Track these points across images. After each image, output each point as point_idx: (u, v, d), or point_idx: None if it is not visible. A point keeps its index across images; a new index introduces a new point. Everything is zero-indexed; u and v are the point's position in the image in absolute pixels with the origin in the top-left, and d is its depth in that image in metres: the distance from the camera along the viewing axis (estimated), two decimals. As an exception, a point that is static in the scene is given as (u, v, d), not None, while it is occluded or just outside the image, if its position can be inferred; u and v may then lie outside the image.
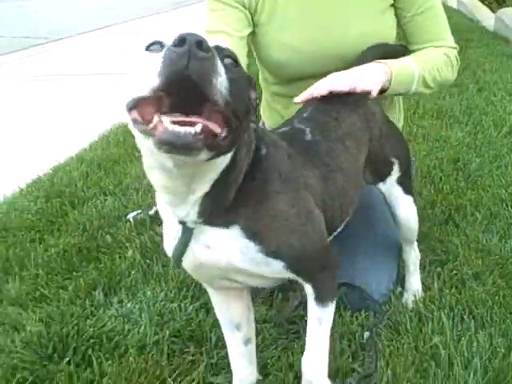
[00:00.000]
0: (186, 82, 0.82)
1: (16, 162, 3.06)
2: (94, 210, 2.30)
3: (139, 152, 2.76)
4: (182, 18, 9.27)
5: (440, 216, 2.22)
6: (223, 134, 0.90)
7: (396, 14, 1.77)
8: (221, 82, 0.85)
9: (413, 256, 1.77)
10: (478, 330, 1.58)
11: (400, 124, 1.99)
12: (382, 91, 1.59)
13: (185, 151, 0.85)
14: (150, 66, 0.85)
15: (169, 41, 0.86)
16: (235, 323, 1.34)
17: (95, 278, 1.82)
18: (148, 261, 1.92)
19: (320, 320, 1.23)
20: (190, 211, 1.05)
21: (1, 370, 1.42)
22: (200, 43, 0.81)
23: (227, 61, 0.93)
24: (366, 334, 1.55)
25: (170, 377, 1.42)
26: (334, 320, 1.26)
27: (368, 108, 1.56)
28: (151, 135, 0.87)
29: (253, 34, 1.76)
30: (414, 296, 1.75)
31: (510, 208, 2.26)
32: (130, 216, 2.22)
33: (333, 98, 1.50)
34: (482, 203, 2.30)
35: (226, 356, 1.43)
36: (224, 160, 1.01)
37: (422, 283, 1.80)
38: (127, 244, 2.03)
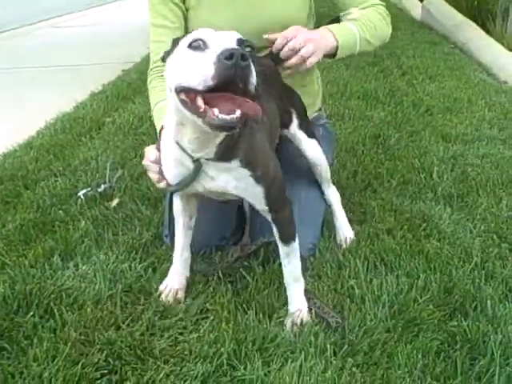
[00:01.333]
0: (232, 82, 1.17)
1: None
2: (46, 189, 2.46)
3: (86, 138, 2.97)
4: (125, 9, 9.36)
5: (360, 184, 2.50)
6: (254, 113, 1.23)
7: None
8: (254, 78, 1.20)
9: (333, 196, 2.11)
10: (387, 274, 1.85)
11: (316, 107, 2.27)
12: (330, 55, 1.90)
13: (228, 130, 1.25)
14: (199, 65, 1.19)
15: (210, 40, 1.24)
16: (190, 215, 1.77)
17: (52, 246, 2.00)
18: (100, 230, 2.12)
19: (288, 254, 1.65)
20: (210, 152, 1.42)
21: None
22: (243, 56, 1.15)
23: (248, 49, 1.26)
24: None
25: (123, 323, 1.63)
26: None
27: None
28: (201, 117, 1.23)
29: (187, 20, 1.98)
30: (345, 233, 2.08)
31: (420, 175, 2.56)
32: (81, 193, 2.40)
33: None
34: (397, 171, 2.59)
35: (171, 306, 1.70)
36: None
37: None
38: (80, 217, 2.22)
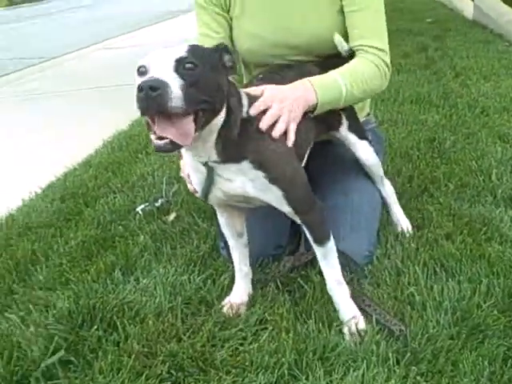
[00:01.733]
0: (152, 111, 1.27)
1: (29, 170, 3.34)
2: (105, 206, 2.53)
3: (142, 154, 3.05)
4: (174, 27, 9.56)
5: (417, 189, 2.46)
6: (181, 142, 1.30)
7: None
8: (176, 99, 1.24)
9: (387, 190, 2.15)
10: (448, 280, 1.82)
11: (364, 112, 2.26)
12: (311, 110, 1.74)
13: (165, 153, 1.35)
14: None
15: (150, 66, 1.32)
16: (238, 232, 1.79)
17: (113, 261, 2.05)
18: (158, 244, 2.17)
19: (325, 255, 1.65)
20: (210, 154, 1.47)
21: (41, 338, 1.64)
22: (151, 87, 1.22)
23: (188, 66, 1.31)
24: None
25: (184, 334, 1.66)
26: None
27: (309, 70, 1.87)
28: None
29: (231, 28, 2.02)
30: (403, 225, 2.12)
31: (479, 177, 2.50)
32: (139, 208, 2.46)
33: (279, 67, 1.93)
34: (454, 174, 2.54)
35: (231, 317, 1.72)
36: (216, 120, 1.42)
37: (400, 244, 2.05)
38: (139, 232, 2.27)
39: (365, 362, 1.49)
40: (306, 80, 1.74)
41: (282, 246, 2.03)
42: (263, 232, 1.93)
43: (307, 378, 1.46)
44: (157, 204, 2.49)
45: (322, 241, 1.64)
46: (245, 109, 1.53)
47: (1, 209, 2.68)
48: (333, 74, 1.80)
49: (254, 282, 1.87)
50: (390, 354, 1.51)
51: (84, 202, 2.63)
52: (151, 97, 1.22)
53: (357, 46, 1.90)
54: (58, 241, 2.26)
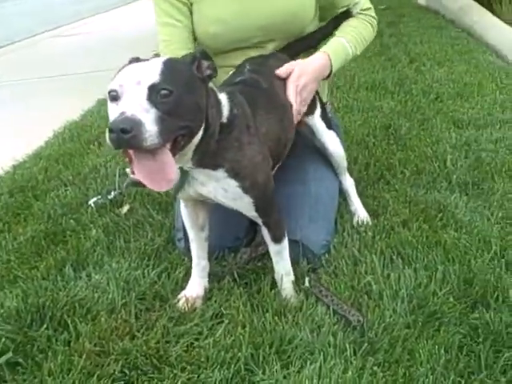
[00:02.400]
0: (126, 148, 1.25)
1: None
2: (56, 199, 2.44)
3: (94, 145, 2.95)
4: (130, 14, 9.36)
5: (373, 176, 2.46)
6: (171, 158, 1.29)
7: None
8: (150, 137, 1.20)
9: (348, 183, 2.19)
10: (405, 267, 1.81)
11: (324, 98, 2.23)
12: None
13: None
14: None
15: (122, 92, 1.25)
16: (200, 226, 1.77)
17: (64, 256, 1.98)
18: (111, 238, 2.10)
19: (279, 252, 1.70)
20: (186, 162, 1.45)
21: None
22: (124, 130, 1.16)
23: (162, 93, 1.25)
24: (307, 280, 1.77)
25: (138, 331, 1.61)
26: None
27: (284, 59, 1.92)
28: None
29: (191, 14, 1.96)
30: (361, 216, 2.13)
31: (434, 163, 2.51)
32: (91, 201, 2.38)
33: (259, 57, 1.92)
34: (410, 161, 2.55)
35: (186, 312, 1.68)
36: (195, 139, 1.39)
37: (357, 232, 2.04)
38: (91, 225, 2.20)
39: (322, 353, 1.47)
40: (322, 53, 1.91)
41: (240, 238, 2.00)
42: (222, 224, 1.89)
43: (264, 373, 1.44)
44: (110, 196, 2.42)
45: (278, 239, 1.69)
46: (225, 112, 1.50)
47: None
48: (342, 41, 1.97)
49: (210, 275, 1.83)
50: (348, 345, 1.49)
51: (33, 195, 2.54)
52: (123, 139, 1.18)
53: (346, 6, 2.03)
54: (6, 236, 2.18)
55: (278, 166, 1.81)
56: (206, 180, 1.52)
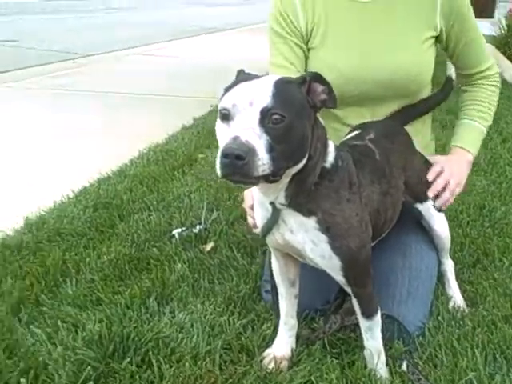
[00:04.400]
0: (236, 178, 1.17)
1: (61, 170, 3.22)
2: (140, 223, 2.40)
3: (178, 172, 2.92)
4: (210, 42, 9.52)
5: (468, 259, 2.32)
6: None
7: (442, 45, 1.94)
8: (263, 166, 1.14)
9: (449, 265, 2.06)
10: (509, 370, 1.68)
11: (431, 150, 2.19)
12: None
13: None
14: (221, 143, 1.18)
15: (233, 111, 1.18)
16: (291, 281, 1.66)
17: (149, 286, 1.92)
18: (196, 275, 2.03)
19: (370, 328, 1.56)
20: (279, 195, 1.34)
21: (69, 363, 1.50)
22: (238, 156, 1.10)
23: (274, 118, 1.17)
24: (405, 364, 1.65)
25: (222, 384, 1.52)
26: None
27: (412, 145, 1.86)
28: None
29: (306, 58, 1.90)
30: (457, 301, 2.01)
31: (534, 257, 2.37)
32: (175, 232, 2.33)
33: (388, 128, 1.82)
34: (509, 250, 2.41)
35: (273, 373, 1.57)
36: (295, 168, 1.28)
37: (453, 319, 1.90)
38: (175, 258, 2.13)
39: None
40: (467, 153, 1.99)
41: (330, 302, 1.89)
42: (313, 285, 1.78)
43: None
44: (194, 230, 2.36)
45: (370, 315, 1.56)
46: (330, 158, 1.40)
47: (32, 208, 2.54)
48: (477, 126, 2.01)
49: (297, 338, 1.73)
50: None
51: (118, 214, 2.50)
52: (237, 166, 1.12)
53: (474, 74, 1.99)
54: (90, 254, 2.13)
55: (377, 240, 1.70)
56: (295, 227, 1.40)
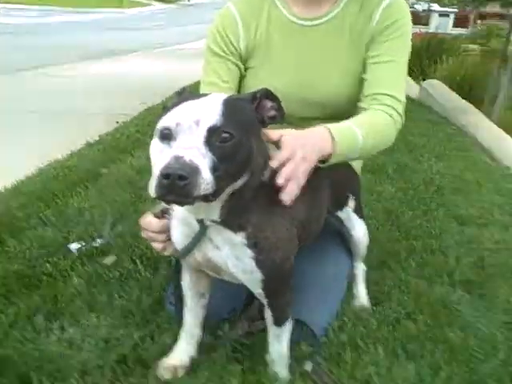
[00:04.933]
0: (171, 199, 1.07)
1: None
2: (33, 239, 2.25)
3: (80, 188, 2.77)
4: (115, 66, 9.38)
5: (375, 261, 2.32)
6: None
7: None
8: (204, 185, 1.06)
9: (361, 269, 2.07)
10: (409, 362, 1.67)
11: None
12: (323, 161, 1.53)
13: None
14: (155, 169, 1.07)
15: (176, 131, 1.10)
16: (200, 293, 1.60)
17: (37, 303, 1.77)
18: (93, 289, 1.90)
19: (279, 336, 1.52)
20: (212, 213, 1.26)
21: None
22: (181, 177, 1.02)
23: (223, 136, 1.11)
24: (309, 365, 1.59)
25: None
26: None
27: None
28: None
29: (243, 77, 1.86)
30: (363, 301, 2.00)
31: (440, 257, 2.40)
32: (73, 246, 2.19)
33: None
34: (415, 252, 2.43)
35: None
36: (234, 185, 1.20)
37: (357, 318, 1.88)
38: (71, 272, 2.00)
39: None
40: (322, 127, 1.51)
41: (236, 310, 1.82)
42: (221, 294, 1.70)
43: None
44: (94, 244, 2.23)
45: (280, 323, 1.51)
46: (267, 172, 1.32)
47: None
48: (349, 124, 1.59)
49: (200, 345, 1.64)
50: None
51: (9, 230, 2.33)
52: (177, 186, 1.03)
53: (372, 94, 1.72)
54: (-27, 272, 1.96)
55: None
56: (221, 243, 1.33)
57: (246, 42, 1.82)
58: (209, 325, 1.73)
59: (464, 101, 6.20)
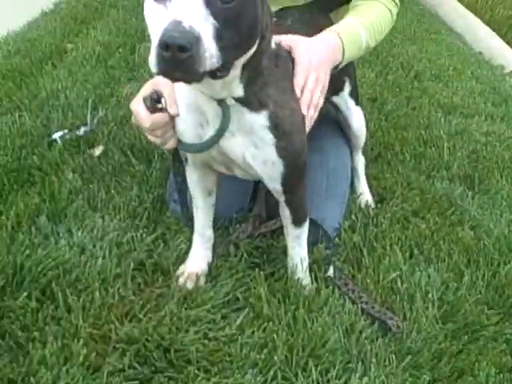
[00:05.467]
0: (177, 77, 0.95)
1: None
2: (11, 126, 2.04)
3: (48, 65, 2.51)
4: None
5: (371, 153, 2.27)
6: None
7: None
8: (210, 59, 0.91)
9: (360, 162, 2.02)
10: (429, 266, 1.67)
11: None
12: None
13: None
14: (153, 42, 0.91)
15: None
16: (208, 190, 1.49)
17: (36, 203, 1.63)
18: (90, 186, 1.76)
19: (298, 236, 1.47)
20: (233, 88, 1.12)
21: None
22: (182, 47, 0.86)
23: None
24: (331, 269, 1.56)
25: (140, 313, 1.33)
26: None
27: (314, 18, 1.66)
28: None
29: None
30: (368, 198, 1.97)
31: (432, 149, 2.37)
32: (57, 136, 2.00)
33: (307, 14, 1.63)
34: (408, 143, 2.38)
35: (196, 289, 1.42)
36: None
37: (364, 216, 1.86)
38: (63, 166, 1.84)
39: (361, 363, 1.29)
40: (336, 35, 1.47)
41: (244, 208, 1.75)
42: (229, 192, 1.61)
43: (300, 380, 1.23)
44: (78, 133, 2.05)
45: (300, 222, 1.45)
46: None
47: None
48: (358, 28, 1.55)
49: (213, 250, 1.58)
50: (389, 356, 1.32)
51: (-19, 117, 2.11)
52: (179, 59, 0.88)
53: None
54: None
55: None
56: (239, 129, 1.20)
57: None
58: (217, 226, 1.66)
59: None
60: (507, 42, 4.46)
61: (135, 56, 2.91)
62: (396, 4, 1.70)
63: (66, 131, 2.04)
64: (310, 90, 1.32)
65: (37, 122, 2.10)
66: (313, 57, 1.35)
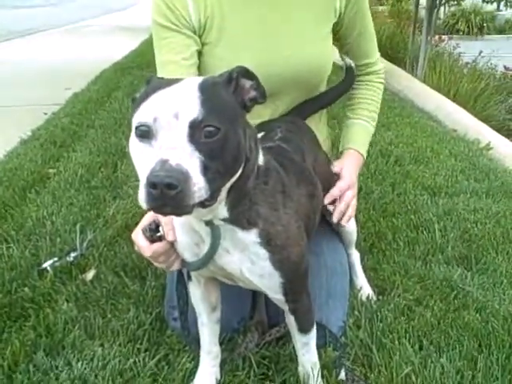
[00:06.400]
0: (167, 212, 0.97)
1: None
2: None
3: (31, 193, 2.52)
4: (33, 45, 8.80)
5: (364, 244, 2.26)
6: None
7: (337, 35, 1.81)
8: (199, 192, 0.93)
9: (356, 256, 2.03)
10: (440, 356, 1.62)
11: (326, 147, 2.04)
12: None
13: None
14: (141, 177, 0.94)
15: (155, 127, 0.94)
16: (212, 306, 1.47)
17: (32, 338, 1.57)
18: (85, 313, 1.72)
19: (307, 343, 1.41)
20: (219, 209, 1.12)
21: None
22: (170, 185, 0.89)
23: (207, 130, 0.95)
24: (343, 372, 1.51)
25: None
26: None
27: (317, 140, 1.77)
28: None
29: (200, 55, 1.67)
30: (368, 291, 1.95)
31: (424, 233, 2.37)
32: (47, 265, 1.98)
33: (292, 125, 1.67)
34: (400, 230, 2.39)
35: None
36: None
37: (369, 311, 1.82)
38: (55, 296, 1.80)
39: None
40: (358, 155, 1.87)
41: (245, 319, 1.71)
42: (229, 304, 1.57)
43: None
44: (68, 259, 2.03)
45: (306, 330, 1.40)
46: (260, 156, 1.20)
47: None
48: (368, 127, 1.91)
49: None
50: None
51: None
52: (168, 196, 0.90)
53: (363, 64, 1.88)
54: None
55: None
56: (232, 247, 1.20)
57: (197, 14, 1.62)
58: (220, 340, 1.61)
59: (394, 65, 6.25)
60: (476, 114, 4.63)
61: (118, 173, 2.95)
62: (383, 78, 1.94)
63: (55, 259, 2.02)
64: (347, 202, 1.69)
65: (25, 253, 2.08)
66: (353, 175, 1.76)
